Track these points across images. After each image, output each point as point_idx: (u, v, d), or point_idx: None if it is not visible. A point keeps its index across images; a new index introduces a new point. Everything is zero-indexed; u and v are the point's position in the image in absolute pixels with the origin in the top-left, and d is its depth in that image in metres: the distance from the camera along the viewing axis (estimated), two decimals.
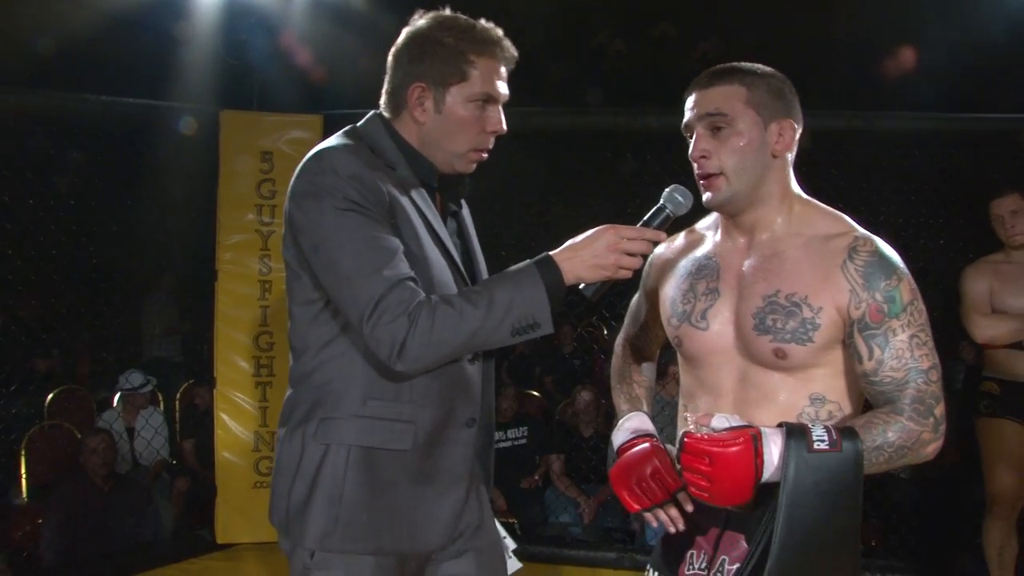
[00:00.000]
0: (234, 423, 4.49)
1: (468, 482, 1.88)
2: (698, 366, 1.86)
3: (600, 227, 1.76)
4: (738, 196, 1.76)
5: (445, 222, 1.90)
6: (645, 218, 1.79)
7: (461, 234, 1.98)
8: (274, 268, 4.44)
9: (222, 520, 4.50)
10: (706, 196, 1.78)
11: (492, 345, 1.77)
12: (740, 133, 1.74)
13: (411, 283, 1.70)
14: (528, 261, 1.78)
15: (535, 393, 6.06)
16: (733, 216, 1.82)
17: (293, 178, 1.79)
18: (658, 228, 1.78)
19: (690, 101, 1.79)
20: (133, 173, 5.70)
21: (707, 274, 1.85)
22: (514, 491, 5.22)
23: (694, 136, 1.78)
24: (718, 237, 1.89)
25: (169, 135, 4.51)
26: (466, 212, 2.03)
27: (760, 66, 1.80)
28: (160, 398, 5.88)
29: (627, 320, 2.18)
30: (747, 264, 1.80)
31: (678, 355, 1.94)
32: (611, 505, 5.14)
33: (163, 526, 4.84)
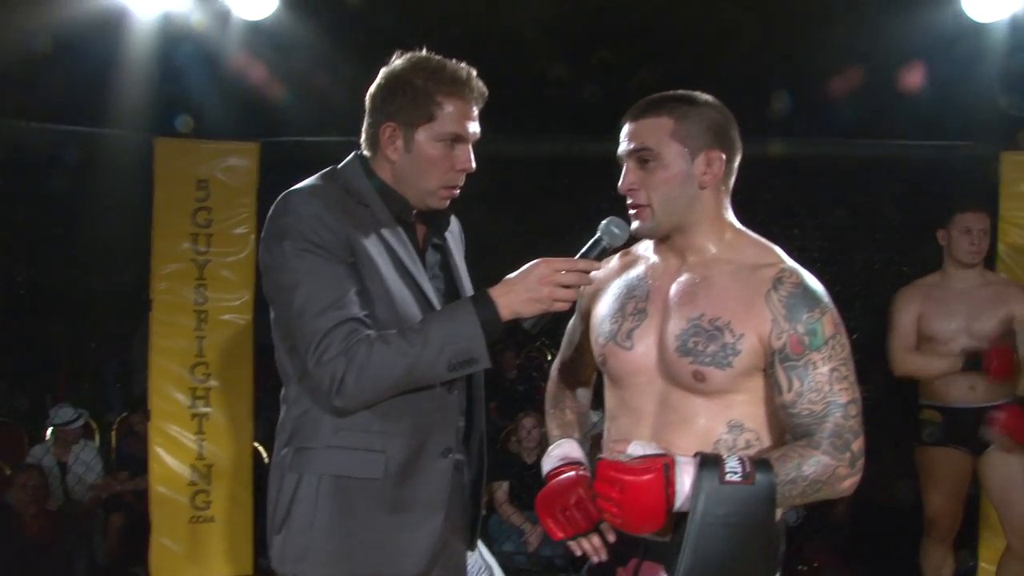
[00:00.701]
0: (170, 457, 4.37)
1: (447, 513, 1.89)
2: (621, 387, 1.86)
3: (534, 261, 1.79)
4: (662, 226, 1.81)
5: (425, 256, 1.95)
6: (582, 250, 1.81)
7: (446, 266, 2.02)
8: (210, 298, 4.36)
9: (157, 557, 4.37)
10: (634, 225, 1.82)
11: (431, 380, 1.80)
12: (666, 167, 1.77)
13: (356, 323, 1.75)
14: (466, 297, 1.85)
15: None
16: (671, 240, 1.84)
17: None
18: (595, 260, 1.81)
19: (623, 132, 1.81)
20: (66, 200, 5.58)
21: (637, 295, 1.86)
22: None
23: (624, 169, 1.81)
24: (652, 259, 1.90)
25: (102, 162, 4.42)
26: (455, 245, 2.07)
27: (699, 95, 1.82)
28: (95, 429, 5.73)
29: (563, 344, 2.17)
30: (676, 286, 1.81)
31: (604, 376, 1.94)
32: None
33: (96, 564, 4.70)
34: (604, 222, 1.82)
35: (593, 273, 1.94)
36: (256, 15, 4.26)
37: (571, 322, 2.14)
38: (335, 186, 1.89)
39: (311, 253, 1.77)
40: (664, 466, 1.60)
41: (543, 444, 5.22)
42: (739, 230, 1.85)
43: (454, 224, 2.11)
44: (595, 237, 1.82)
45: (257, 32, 4.34)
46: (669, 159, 1.76)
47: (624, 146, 1.80)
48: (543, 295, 1.76)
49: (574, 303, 1.87)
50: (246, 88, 4.37)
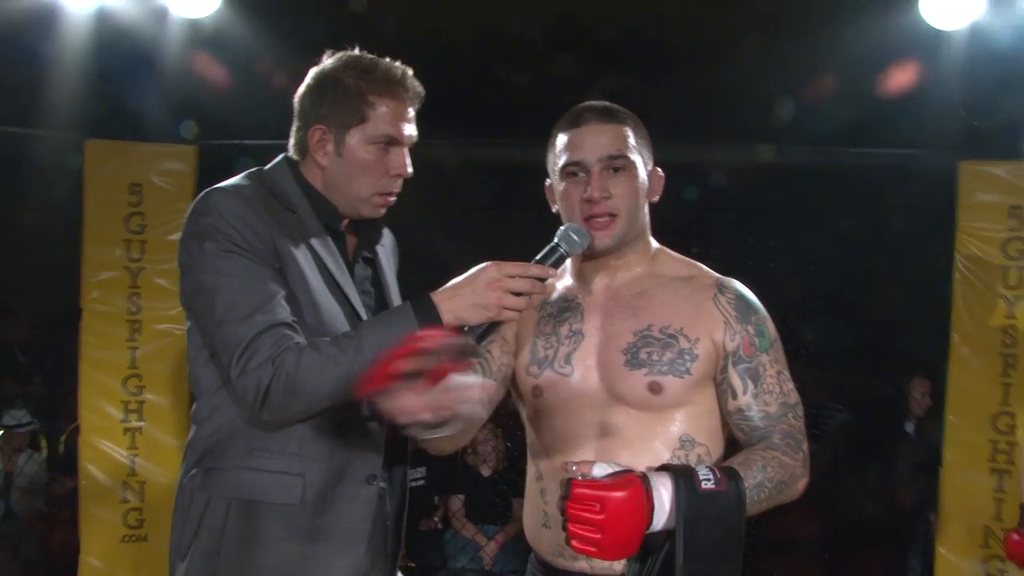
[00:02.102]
0: (101, 473, 4.20)
1: (369, 544, 1.79)
2: (556, 415, 1.78)
3: (483, 264, 1.67)
4: (625, 239, 1.75)
5: (353, 269, 1.86)
6: (537, 257, 1.68)
7: (376, 281, 1.93)
8: (144, 307, 4.18)
9: None
10: (599, 236, 1.72)
11: None
12: (635, 176, 1.74)
13: (285, 328, 1.65)
14: (405, 302, 1.72)
15: None
16: (604, 258, 1.77)
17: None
18: (550, 268, 1.68)
19: (579, 137, 1.73)
20: None
21: (570, 316, 1.79)
22: (412, 534, 5.01)
23: (591, 176, 1.71)
24: (573, 282, 1.83)
25: (31, 164, 4.25)
26: (386, 260, 1.98)
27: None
28: (43, 442, 5.53)
29: None
30: (611, 305, 1.77)
31: (526, 410, 1.85)
32: (511, 547, 5.01)
33: None
34: (562, 228, 1.71)
35: None
36: (196, 13, 4.11)
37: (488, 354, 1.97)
38: (261, 187, 1.79)
39: (235, 254, 1.68)
40: (642, 478, 1.48)
41: (498, 457, 5.18)
42: (660, 247, 1.85)
43: (387, 237, 2.01)
44: (552, 244, 1.69)
45: (197, 30, 4.19)
46: (637, 168, 1.74)
47: (591, 152, 1.71)
48: (491, 301, 1.63)
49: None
50: (184, 88, 4.20)
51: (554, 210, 1.84)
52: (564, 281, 1.87)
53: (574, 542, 1.49)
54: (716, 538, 1.50)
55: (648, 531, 1.49)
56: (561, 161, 1.75)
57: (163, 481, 4.18)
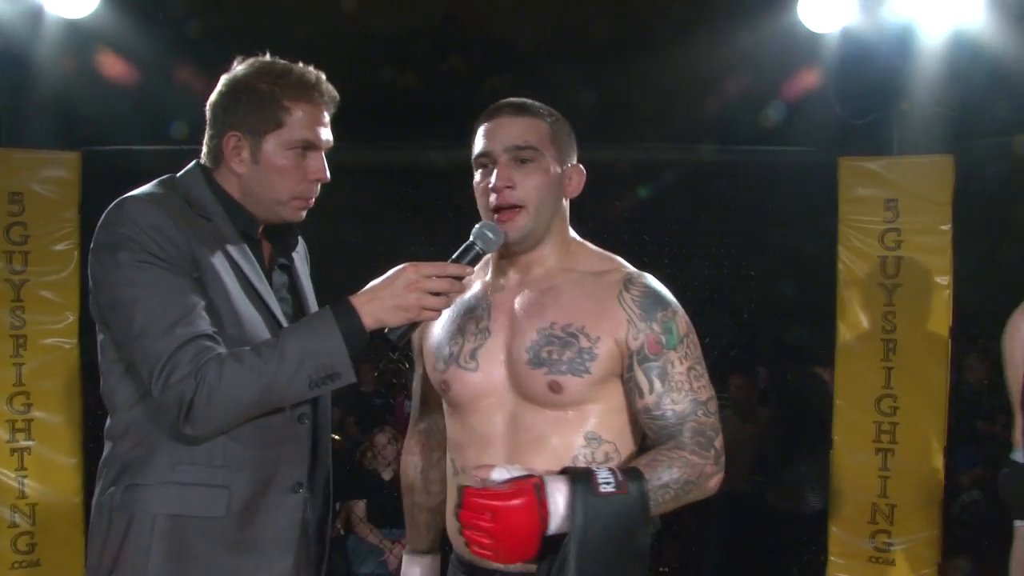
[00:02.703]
0: None
1: (295, 552, 1.77)
2: (466, 412, 1.78)
3: (400, 265, 1.67)
4: (535, 232, 1.74)
5: (271, 276, 1.84)
6: (453, 256, 1.70)
7: (293, 289, 1.91)
8: (29, 321, 3.98)
9: None
10: (506, 227, 1.72)
11: (291, 400, 1.68)
12: (545, 169, 1.73)
13: (206, 340, 1.62)
14: (325, 307, 1.71)
15: (335, 436, 5.80)
16: (518, 253, 1.77)
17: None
18: (467, 266, 1.70)
19: (490, 129, 1.74)
20: None
21: (477, 314, 1.79)
22: None
23: (497, 165, 1.72)
24: (488, 277, 1.83)
25: None
26: (300, 265, 1.96)
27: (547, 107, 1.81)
28: None
29: (413, 405, 2.04)
30: (519, 301, 1.76)
31: (444, 405, 1.85)
32: None
33: None
34: (478, 226, 1.72)
35: None
36: (74, 13, 3.92)
37: (415, 377, 2.01)
38: (175, 195, 1.75)
39: (152, 265, 1.63)
40: (535, 487, 1.51)
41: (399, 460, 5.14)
42: (580, 241, 1.84)
43: (299, 244, 1.98)
44: (467, 242, 1.70)
45: (76, 31, 4.00)
46: (547, 161, 1.73)
47: (498, 142, 1.72)
48: (410, 302, 1.64)
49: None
50: (63, 92, 4.01)
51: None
52: (479, 276, 1.86)
53: (472, 547, 1.52)
54: (615, 541, 1.50)
55: (547, 535, 1.51)
56: (474, 153, 1.77)
57: (55, 502, 4.01)
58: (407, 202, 4.65)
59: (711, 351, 4.76)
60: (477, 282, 1.85)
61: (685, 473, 1.61)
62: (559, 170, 1.76)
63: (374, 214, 5.22)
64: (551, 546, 1.53)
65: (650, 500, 1.55)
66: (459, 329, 1.80)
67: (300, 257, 1.98)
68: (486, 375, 1.75)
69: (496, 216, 1.72)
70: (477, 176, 1.78)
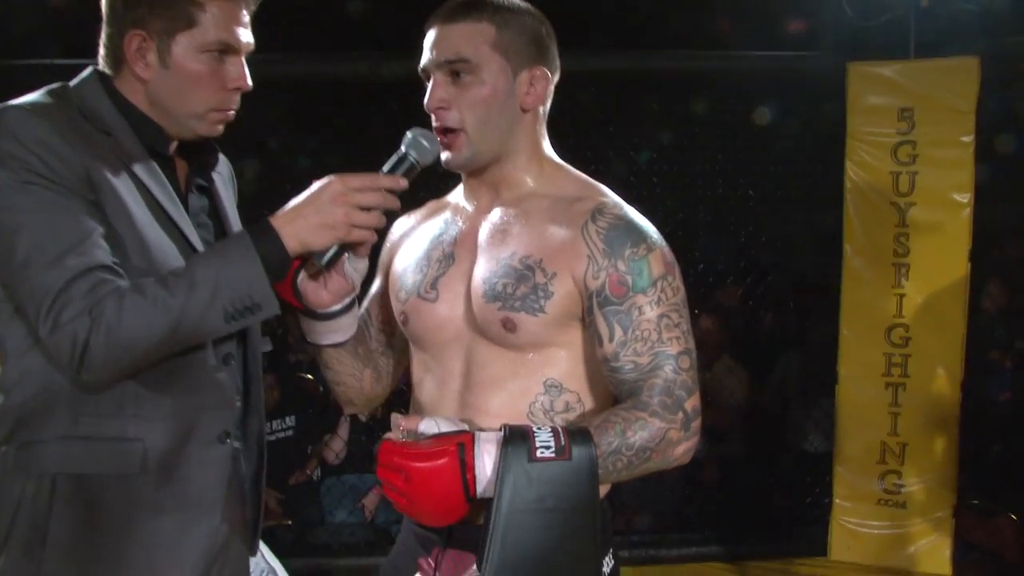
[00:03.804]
0: None
1: (225, 511, 1.63)
2: (425, 347, 1.66)
3: (325, 179, 1.52)
4: (480, 156, 1.59)
5: (187, 199, 1.67)
6: (385, 168, 1.55)
7: (215, 214, 1.74)
8: None
9: None
10: (445, 155, 1.58)
11: (205, 336, 1.53)
12: (484, 82, 1.57)
13: (103, 272, 1.45)
14: (241, 230, 1.59)
15: (309, 376, 5.52)
16: (476, 175, 1.64)
17: None
18: (400, 178, 1.55)
19: (429, 39, 1.59)
20: None
21: (444, 240, 1.67)
22: (284, 490, 4.72)
23: (431, 83, 1.58)
24: (460, 200, 1.71)
25: None
26: (222, 187, 1.78)
27: (516, 0, 1.62)
28: None
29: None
30: (487, 226, 1.63)
31: (408, 340, 1.73)
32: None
33: None
34: (409, 134, 1.56)
35: (396, 225, 1.76)
36: None
37: (368, 295, 1.83)
38: (67, 106, 1.54)
39: (36, 185, 1.45)
40: (459, 446, 1.41)
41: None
42: (557, 163, 1.68)
43: (223, 165, 1.78)
44: (399, 153, 1.56)
45: None
46: (487, 75, 1.56)
47: (431, 55, 1.58)
48: (338, 219, 1.48)
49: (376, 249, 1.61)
50: None
51: None
52: (453, 197, 1.74)
53: (395, 506, 1.45)
54: (553, 514, 1.39)
55: (478, 497, 1.40)
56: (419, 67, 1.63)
57: None
58: (370, 119, 4.27)
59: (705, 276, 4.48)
60: (449, 207, 1.74)
61: (642, 438, 1.46)
62: (508, 80, 1.58)
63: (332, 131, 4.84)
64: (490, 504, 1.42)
65: (599, 468, 1.41)
66: (425, 256, 1.67)
67: (224, 180, 1.79)
68: (446, 306, 1.62)
69: (439, 139, 1.58)
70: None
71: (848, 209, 3.94)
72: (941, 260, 3.81)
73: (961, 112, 3.75)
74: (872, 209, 3.90)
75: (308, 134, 5.02)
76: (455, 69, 1.56)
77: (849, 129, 3.91)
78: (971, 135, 3.74)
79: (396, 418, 1.51)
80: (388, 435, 1.48)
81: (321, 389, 5.40)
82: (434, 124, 1.58)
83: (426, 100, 1.58)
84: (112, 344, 1.44)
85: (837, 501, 3.98)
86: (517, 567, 1.39)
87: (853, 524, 3.93)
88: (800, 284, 5.09)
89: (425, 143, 1.56)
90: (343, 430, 4.87)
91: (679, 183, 4.69)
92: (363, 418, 4.93)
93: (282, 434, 4.84)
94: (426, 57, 1.59)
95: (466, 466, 1.40)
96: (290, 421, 4.89)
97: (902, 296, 3.86)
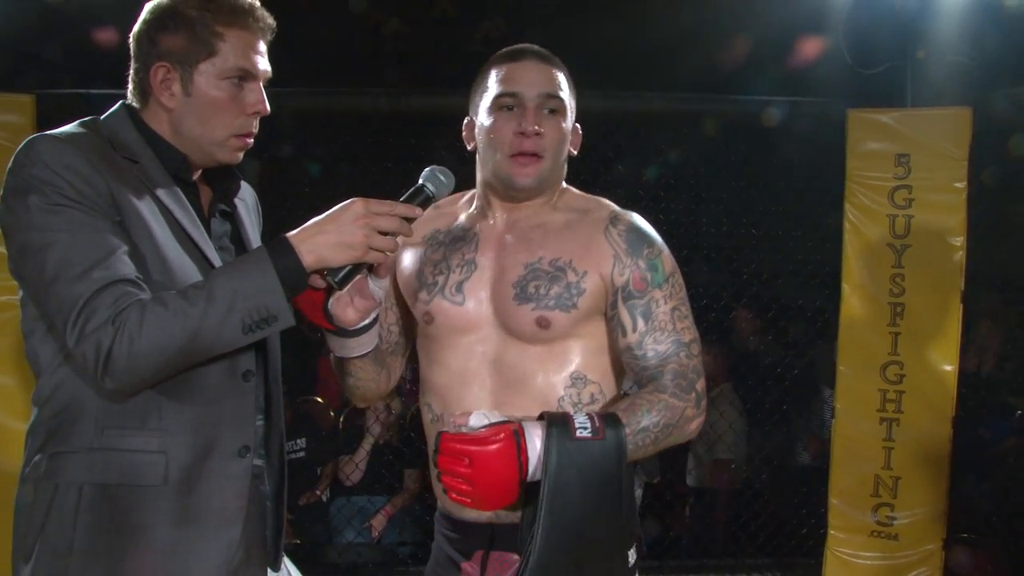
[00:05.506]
0: None
1: (246, 525, 1.67)
2: (448, 347, 1.76)
3: (348, 200, 1.59)
4: (546, 182, 1.74)
5: (209, 223, 1.74)
6: (402, 197, 1.65)
7: (237, 238, 1.81)
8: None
9: None
10: (522, 173, 1.71)
11: (223, 347, 1.55)
12: (565, 123, 1.75)
13: (127, 285, 1.52)
14: (260, 246, 1.65)
15: (318, 399, 5.61)
16: (513, 197, 1.76)
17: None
18: (417, 208, 1.65)
19: (518, 72, 1.72)
20: None
21: (463, 246, 1.78)
22: (294, 510, 4.82)
23: (526, 110, 1.70)
24: (474, 211, 1.83)
25: None
26: (246, 213, 1.86)
27: None
28: None
29: None
30: (508, 236, 1.76)
31: (419, 344, 1.84)
32: (399, 519, 4.87)
33: None
34: (428, 169, 1.68)
35: None
36: None
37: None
38: (96, 136, 1.63)
39: (65, 207, 1.53)
40: (514, 432, 1.52)
41: (390, 419, 4.94)
42: (567, 187, 1.85)
43: (247, 192, 1.85)
44: (417, 184, 1.67)
45: None
46: (566, 118, 1.75)
47: (530, 86, 1.71)
48: (357, 239, 1.55)
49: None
50: (16, 34, 3.75)
51: (469, 148, 1.80)
52: (461, 211, 1.86)
53: (451, 494, 1.51)
54: (590, 487, 1.50)
55: (528, 480, 1.51)
56: (495, 92, 1.73)
57: (11, 471, 3.78)
58: (389, 150, 4.40)
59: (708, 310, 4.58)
60: (462, 215, 1.85)
61: (664, 416, 1.61)
62: (569, 128, 1.78)
63: (354, 161, 4.97)
64: (533, 494, 1.53)
65: (628, 446, 1.55)
66: (444, 259, 1.79)
67: (248, 207, 1.87)
68: (472, 309, 1.74)
69: (515, 159, 1.70)
70: (494, 117, 1.73)
71: (847, 250, 4.00)
72: (935, 300, 3.87)
73: (955, 159, 3.83)
74: (869, 250, 3.96)
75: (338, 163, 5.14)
76: (551, 106, 1.72)
77: (848, 172, 3.98)
78: (964, 181, 3.82)
79: (449, 416, 1.64)
80: (442, 429, 1.58)
81: (331, 414, 5.52)
82: (519, 146, 1.70)
83: (524, 124, 1.70)
84: (134, 353, 1.48)
85: (832, 532, 4.03)
86: (560, 532, 1.50)
87: (847, 555, 3.98)
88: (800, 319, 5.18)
89: (442, 178, 1.67)
90: (360, 455, 4.94)
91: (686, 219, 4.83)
92: (380, 440, 5.01)
93: (293, 456, 4.91)
94: (518, 86, 1.71)
95: (520, 449, 1.51)
96: (301, 443, 5.00)
97: (897, 334, 3.92)
